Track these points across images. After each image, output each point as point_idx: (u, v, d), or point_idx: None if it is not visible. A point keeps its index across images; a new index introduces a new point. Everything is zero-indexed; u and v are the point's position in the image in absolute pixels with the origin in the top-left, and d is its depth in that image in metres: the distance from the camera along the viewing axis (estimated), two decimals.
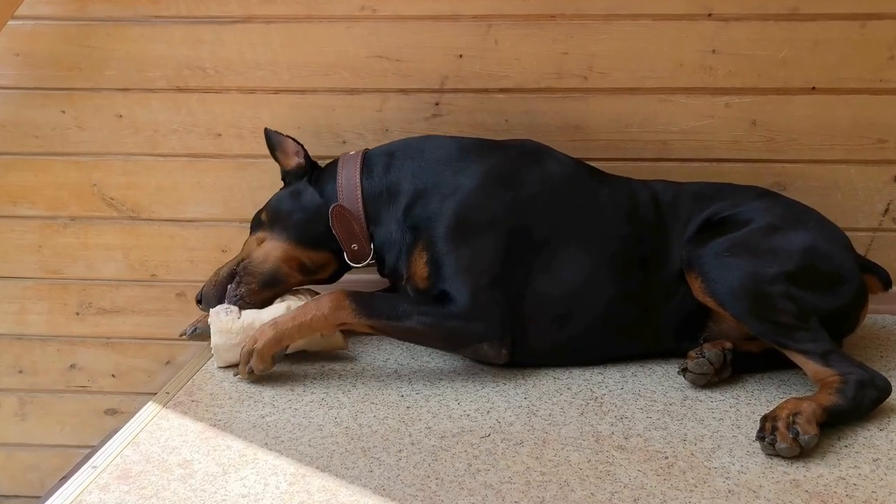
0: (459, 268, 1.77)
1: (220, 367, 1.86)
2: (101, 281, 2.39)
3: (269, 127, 2.03)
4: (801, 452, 1.48)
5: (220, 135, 2.24)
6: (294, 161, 1.99)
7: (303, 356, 1.89)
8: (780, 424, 1.50)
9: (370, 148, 1.98)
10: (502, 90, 2.15)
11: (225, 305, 1.85)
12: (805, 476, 1.42)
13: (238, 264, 1.91)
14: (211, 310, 1.85)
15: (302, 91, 2.18)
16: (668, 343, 1.86)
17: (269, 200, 2.00)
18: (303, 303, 1.83)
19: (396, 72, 2.15)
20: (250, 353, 1.75)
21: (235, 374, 1.80)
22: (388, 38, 2.13)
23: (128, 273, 2.37)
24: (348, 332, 1.87)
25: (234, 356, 1.81)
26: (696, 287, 1.76)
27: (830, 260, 1.77)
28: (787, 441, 1.47)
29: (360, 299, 1.76)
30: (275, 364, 1.77)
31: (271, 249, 1.91)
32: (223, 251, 2.31)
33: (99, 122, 2.26)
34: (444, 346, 1.84)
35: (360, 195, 1.89)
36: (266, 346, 1.74)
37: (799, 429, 1.48)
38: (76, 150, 2.28)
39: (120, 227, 2.34)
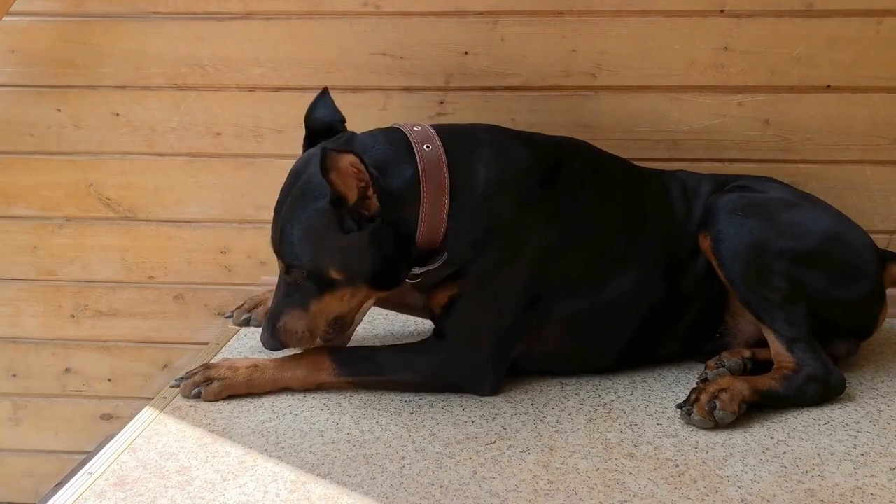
0: (467, 323, 1.71)
1: None
2: (97, 283, 2.37)
3: (326, 146, 1.55)
4: (716, 426, 1.57)
5: (219, 133, 2.23)
6: (354, 192, 1.56)
7: None
8: (703, 397, 1.59)
9: (450, 163, 1.65)
10: (509, 88, 2.13)
11: None
12: (821, 485, 1.40)
13: (332, 324, 1.70)
14: None
15: (303, 89, 2.15)
16: (686, 342, 1.84)
17: (332, 252, 1.61)
18: None
19: (400, 69, 2.14)
20: (209, 380, 1.69)
21: (172, 385, 1.74)
22: (392, 34, 2.12)
23: (124, 275, 2.36)
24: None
25: None
26: (706, 245, 1.77)
27: (850, 250, 1.76)
28: (702, 413, 1.57)
29: (340, 357, 1.73)
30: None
31: (362, 302, 1.72)
32: (222, 252, 2.30)
33: (95, 121, 2.24)
34: (430, 392, 1.75)
35: (441, 236, 1.68)
36: (235, 385, 1.69)
37: (718, 403, 1.57)
38: (72, 149, 2.27)
39: (116, 227, 2.32)
